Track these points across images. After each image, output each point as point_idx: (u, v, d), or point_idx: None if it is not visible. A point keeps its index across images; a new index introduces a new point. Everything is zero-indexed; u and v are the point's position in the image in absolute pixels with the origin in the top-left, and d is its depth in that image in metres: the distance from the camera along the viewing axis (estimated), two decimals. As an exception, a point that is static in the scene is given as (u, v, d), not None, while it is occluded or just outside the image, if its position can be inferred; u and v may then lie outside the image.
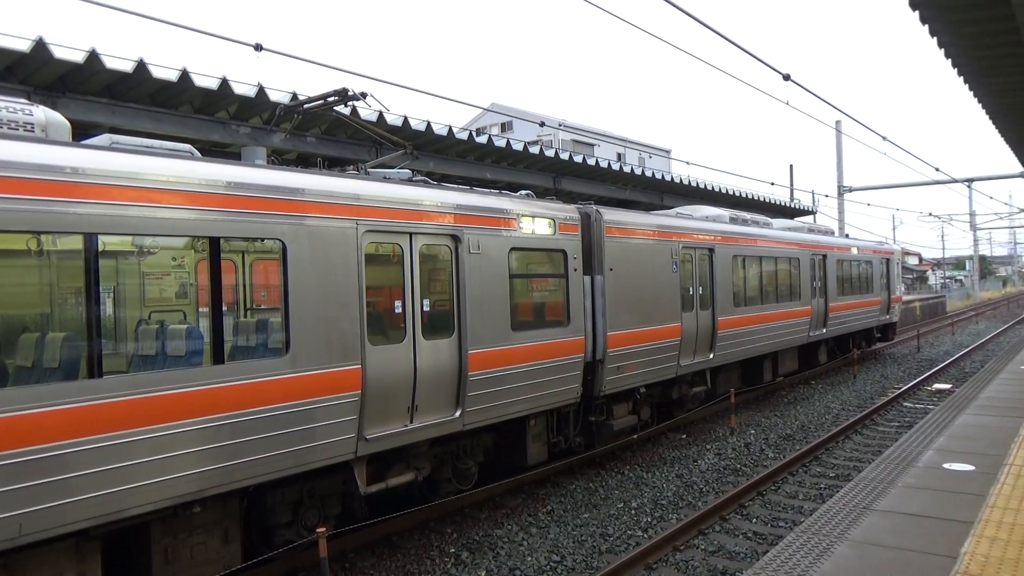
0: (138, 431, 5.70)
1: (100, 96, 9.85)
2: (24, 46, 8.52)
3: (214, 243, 6.37)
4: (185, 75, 9.89)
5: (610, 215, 11.30)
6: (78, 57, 8.93)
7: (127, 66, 9.38)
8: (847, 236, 27.19)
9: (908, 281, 69.18)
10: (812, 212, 33.06)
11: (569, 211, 10.59)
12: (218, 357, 6.32)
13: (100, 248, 5.69)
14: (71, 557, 5.70)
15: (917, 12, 9.23)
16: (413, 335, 8.04)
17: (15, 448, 5.07)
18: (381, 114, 12.40)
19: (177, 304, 6.92)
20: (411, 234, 8.11)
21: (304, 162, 11.91)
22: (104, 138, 6.50)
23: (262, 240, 6.87)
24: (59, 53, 8.71)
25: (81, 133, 7.89)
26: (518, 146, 15.91)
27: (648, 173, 20.35)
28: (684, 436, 13.83)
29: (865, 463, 11.41)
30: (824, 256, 19.72)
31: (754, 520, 9.22)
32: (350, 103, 9.82)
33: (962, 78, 12.46)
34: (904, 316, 34.66)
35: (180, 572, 6.42)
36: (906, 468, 8.02)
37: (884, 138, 21.99)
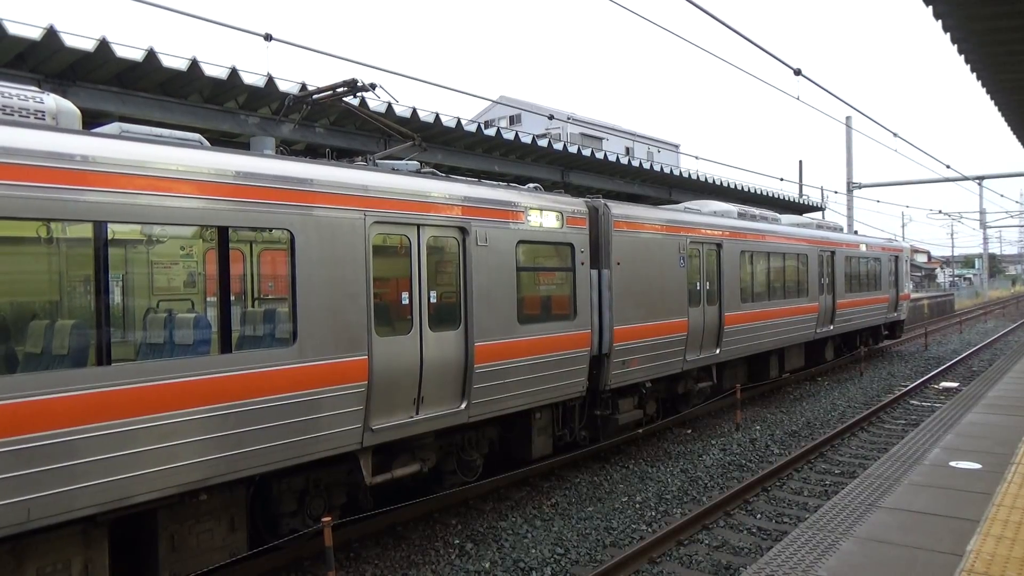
0: (145, 418, 5.73)
1: (110, 85, 9.87)
2: (35, 34, 8.53)
3: (222, 232, 6.39)
4: (195, 65, 9.89)
5: (618, 209, 11.27)
6: (88, 46, 8.93)
7: (137, 55, 9.38)
8: (856, 233, 27.05)
9: (917, 279, 68.89)
10: (821, 208, 32.91)
11: (577, 205, 10.57)
12: (226, 346, 6.35)
13: (109, 236, 5.71)
14: (79, 543, 5.74)
15: (931, 7, 9.15)
16: (420, 327, 8.05)
17: (24, 434, 5.10)
18: (390, 105, 12.38)
19: (185, 293, 6.94)
20: (419, 226, 8.11)
21: (313, 153, 11.92)
22: (114, 126, 6.51)
23: (270, 230, 6.89)
24: (70, 41, 8.72)
25: (91, 121, 7.92)
26: (526, 139, 15.87)
27: (657, 167, 20.28)
28: (689, 431, 13.82)
29: (871, 460, 11.39)
30: (832, 253, 19.64)
31: (759, 516, 9.22)
32: (359, 94, 9.81)
33: (975, 74, 12.36)
34: (912, 314, 34.52)
35: (186, 559, 6.46)
36: (912, 466, 8.00)
37: (895, 134, 21.84)
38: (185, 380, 6.00)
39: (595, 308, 10.76)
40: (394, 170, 8.42)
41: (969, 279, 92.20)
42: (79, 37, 8.83)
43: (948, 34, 10.19)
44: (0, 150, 5.12)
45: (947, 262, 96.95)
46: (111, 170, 5.67)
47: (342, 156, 10.11)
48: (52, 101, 5.97)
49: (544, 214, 9.85)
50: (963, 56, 11.27)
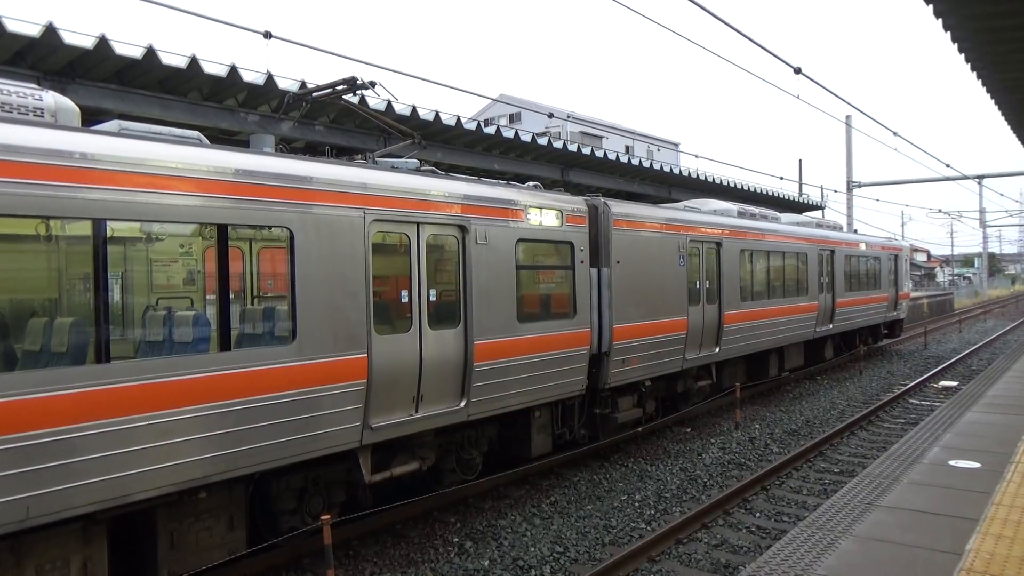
0: (144, 416, 5.73)
1: (109, 82, 9.85)
2: (34, 31, 8.52)
3: (222, 230, 6.38)
4: (194, 62, 9.87)
5: (618, 207, 11.27)
6: (88, 43, 8.91)
7: (136, 52, 9.36)
8: (855, 232, 27.06)
9: (916, 278, 68.91)
10: (821, 207, 32.91)
11: (577, 203, 10.56)
12: (225, 344, 6.34)
13: (108, 234, 5.70)
14: (78, 540, 5.74)
15: (931, 6, 9.14)
16: (419, 325, 8.04)
17: (23, 431, 5.10)
18: (389, 103, 12.37)
19: (184, 291, 6.94)
20: (418, 224, 8.10)
21: (312, 151, 11.90)
22: (113, 124, 6.50)
23: (270, 228, 6.88)
24: (69, 39, 8.69)
25: (90, 119, 7.91)
26: (526, 137, 15.86)
27: (656, 166, 20.27)
28: (688, 430, 13.82)
29: (870, 459, 11.39)
30: (832, 251, 19.64)
31: (758, 515, 9.22)
32: (359, 92, 9.80)
33: (975, 73, 12.35)
34: (911, 313, 34.53)
35: (185, 557, 6.46)
36: (912, 465, 8.00)
37: (895, 133, 21.82)
38: (184, 378, 5.99)
39: (595, 307, 10.76)
40: (393, 168, 8.41)
41: (968, 278, 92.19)
42: (78, 34, 8.81)
43: (948, 33, 10.18)
44: None
45: (947, 261, 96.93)
46: (110, 167, 5.66)
47: (342, 154, 10.11)
48: (51, 98, 5.97)
49: (544, 212, 9.84)
50: (963, 55, 11.26)
